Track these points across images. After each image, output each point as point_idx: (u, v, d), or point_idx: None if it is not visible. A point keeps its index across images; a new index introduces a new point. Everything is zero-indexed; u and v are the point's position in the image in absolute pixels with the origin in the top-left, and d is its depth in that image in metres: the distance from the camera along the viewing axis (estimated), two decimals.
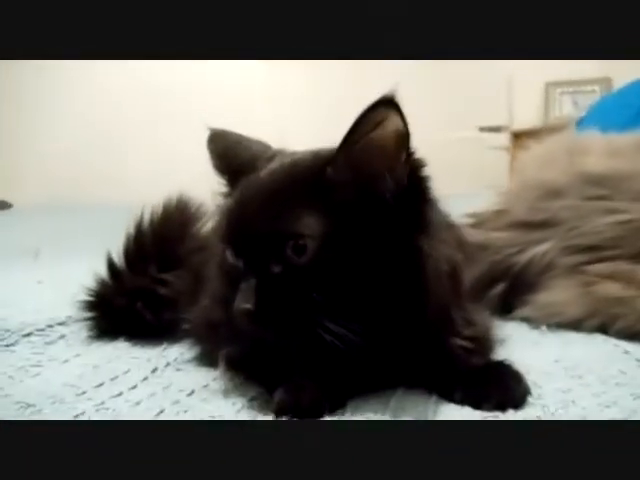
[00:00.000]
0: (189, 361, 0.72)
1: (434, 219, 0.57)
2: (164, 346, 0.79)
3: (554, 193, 0.95)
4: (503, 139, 3.57)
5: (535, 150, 1.11)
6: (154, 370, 0.69)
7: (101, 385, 0.64)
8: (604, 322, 0.80)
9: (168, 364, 0.71)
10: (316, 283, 0.53)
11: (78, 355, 0.76)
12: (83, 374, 0.67)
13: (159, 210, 0.90)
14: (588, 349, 0.73)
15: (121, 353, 0.77)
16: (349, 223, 0.53)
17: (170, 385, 0.63)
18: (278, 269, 0.54)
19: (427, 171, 0.56)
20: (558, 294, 0.85)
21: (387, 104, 0.51)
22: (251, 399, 0.57)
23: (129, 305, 0.83)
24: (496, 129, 3.68)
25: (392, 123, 0.51)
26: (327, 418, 0.52)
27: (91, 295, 0.86)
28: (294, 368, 0.55)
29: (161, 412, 0.56)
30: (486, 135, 3.64)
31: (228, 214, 0.58)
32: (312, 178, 0.55)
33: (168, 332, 0.81)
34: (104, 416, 0.55)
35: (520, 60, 2.97)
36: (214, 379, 0.64)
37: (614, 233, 0.85)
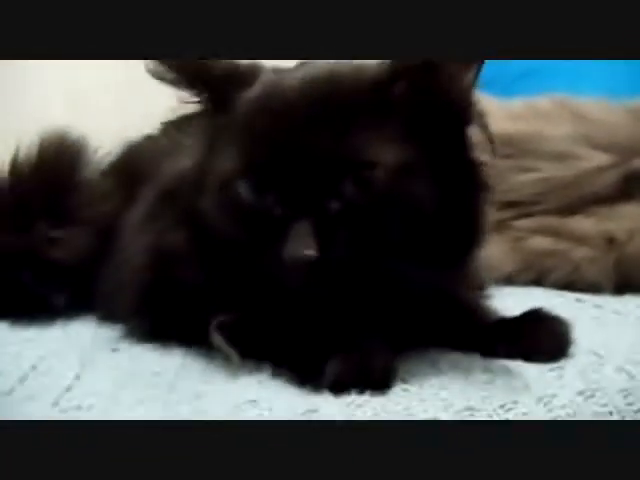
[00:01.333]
0: (123, 338, 0.55)
1: None
2: (62, 326, 0.60)
3: None
4: None
5: None
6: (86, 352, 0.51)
7: (24, 379, 0.45)
8: (538, 275, 0.81)
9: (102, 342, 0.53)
10: (382, 222, 0.43)
11: None
12: None
13: (36, 149, 0.68)
14: (543, 301, 0.72)
15: (9, 338, 0.56)
16: (418, 148, 0.44)
17: (133, 371, 0.47)
18: (337, 206, 0.42)
19: None
20: (489, 249, 0.83)
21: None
22: (273, 374, 0.44)
23: (6, 273, 0.61)
24: None
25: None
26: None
27: None
28: (336, 332, 0.43)
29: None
30: None
31: (255, 136, 0.43)
32: (377, 94, 0.44)
33: (56, 310, 0.62)
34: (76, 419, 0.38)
35: None
36: (190, 357, 0.49)
37: (534, 190, 0.86)
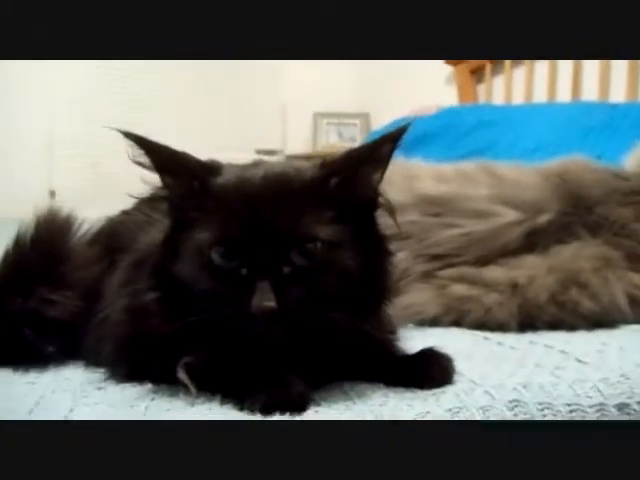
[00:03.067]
0: (106, 380, 0.68)
1: None
2: (54, 372, 0.74)
3: (398, 210, 1.10)
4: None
5: None
6: (77, 392, 0.64)
7: (32, 411, 0.58)
8: (457, 317, 0.96)
9: (89, 384, 0.67)
10: (320, 281, 0.58)
11: None
12: None
13: (33, 225, 0.83)
14: (456, 339, 0.88)
15: (13, 382, 0.69)
16: (345, 227, 0.60)
17: (114, 403, 0.61)
18: (288, 270, 0.57)
19: None
20: (417, 296, 0.99)
21: (396, 141, 0.60)
22: (222, 402, 0.59)
23: (10, 330, 0.75)
24: (271, 152, 3.94)
25: (389, 153, 0.61)
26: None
27: None
28: (274, 368, 0.58)
29: None
30: (262, 157, 3.85)
31: (228, 215, 0.58)
32: (317, 187, 0.60)
33: (50, 359, 0.76)
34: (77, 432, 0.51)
35: (292, 91, 3.23)
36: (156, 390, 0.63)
37: (457, 244, 1.02)
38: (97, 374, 0.70)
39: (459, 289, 0.98)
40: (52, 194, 2.54)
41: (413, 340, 0.75)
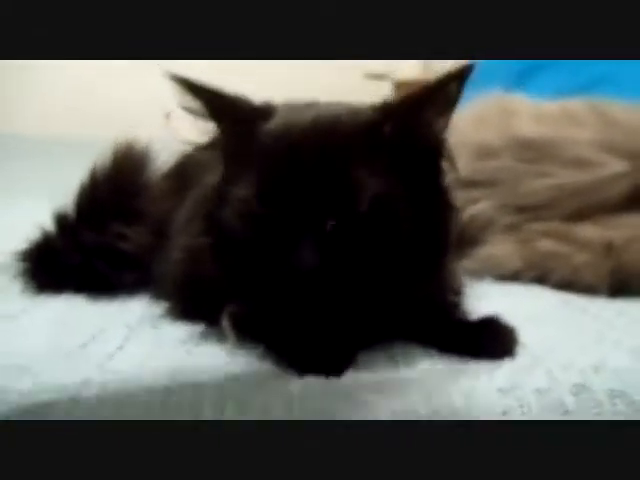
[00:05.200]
0: (163, 317, 0.70)
1: None
2: (120, 303, 0.76)
3: (490, 154, 1.02)
4: (386, 88, 3.66)
5: (466, 109, 1.17)
6: (132, 327, 0.67)
7: (85, 345, 0.61)
8: (541, 274, 0.89)
9: (147, 320, 0.69)
10: (367, 239, 0.54)
11: (25, 310, 0.72)
12: (51, 333, 0.63)
13: (110, 158, 0.84)
14: (533, 301, 0.81)
15: (81, 310, 0.73)
16: (400, 178, 0.55)
17: (161, 343, 0.62)
18: (333, 225, 0.54)
19: None
20: (498, 248, 0.92)
21: (463, 79, 0.54)
22: (263, 356, 0.58)
23: (84, 261, 0.78)
24: (380, 77, 3.78)
25: (456, 95, 0.55)
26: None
27: (33, 247, 0.81)
28: (315, 326, 0.56)
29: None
30: (370, 83, 3.70)
31: (272, 164, 0.55)
32: (370, 133, 0.55)
33: (123, 290, 0.78)
34: (111, 379, 0.53)
35: None
36: (204, 333, 0.64)
37: (548, 195, 0.93)
38: (156, 309, 0.72)
39: (545, 244, 0.90)
40: (167, 116, 2.61)
41: (483, 299, 0.70)
